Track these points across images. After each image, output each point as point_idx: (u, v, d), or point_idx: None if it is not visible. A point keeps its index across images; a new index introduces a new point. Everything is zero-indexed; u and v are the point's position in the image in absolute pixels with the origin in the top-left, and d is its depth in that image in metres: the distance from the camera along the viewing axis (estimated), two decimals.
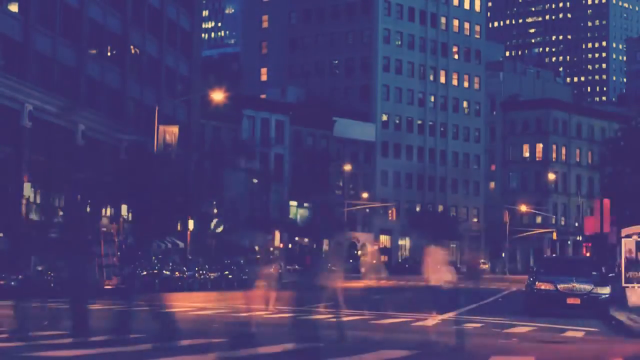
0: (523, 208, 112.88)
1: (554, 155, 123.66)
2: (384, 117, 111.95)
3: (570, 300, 26.44)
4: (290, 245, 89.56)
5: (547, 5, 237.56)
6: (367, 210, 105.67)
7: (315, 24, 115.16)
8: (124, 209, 59.75)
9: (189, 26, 74.08)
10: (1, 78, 44.98)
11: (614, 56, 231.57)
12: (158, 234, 40.86)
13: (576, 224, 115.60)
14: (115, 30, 59.74)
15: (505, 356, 13.40)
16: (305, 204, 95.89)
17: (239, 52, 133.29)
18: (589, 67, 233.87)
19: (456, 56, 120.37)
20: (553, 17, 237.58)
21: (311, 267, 17.81)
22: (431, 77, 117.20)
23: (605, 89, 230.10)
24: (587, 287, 26.48)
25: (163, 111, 55.95)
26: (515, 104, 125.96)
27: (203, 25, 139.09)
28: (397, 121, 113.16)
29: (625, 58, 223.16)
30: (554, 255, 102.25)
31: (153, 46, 66.12)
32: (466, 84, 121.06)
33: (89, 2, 55.31)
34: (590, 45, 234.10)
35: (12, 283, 30.65)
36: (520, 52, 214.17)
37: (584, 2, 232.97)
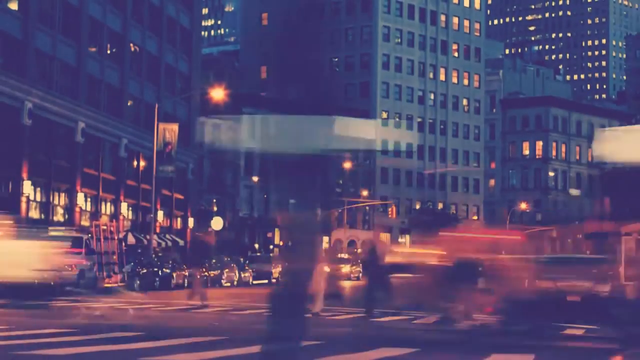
0: (523, 206, 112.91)
1: (554, 152, 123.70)
2: (384, 115, 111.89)
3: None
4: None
5: (547, 3, 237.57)
6: (367, 207, 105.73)
7: None
8: (124, 206, 59.83)
9: (188, 24, 74.07)
10: (1, 76, 44.96)
11: (614, 54, 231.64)
12: None
13: (576, 222, 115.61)
14: (115, 28, 59.74)
15: (505, 354, 13.41)
16: None
17: (238, 50, 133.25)
18: (589, 64, 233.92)
19: (456, 54, 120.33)
20: (553, 15, 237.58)
21: None
22: (431, 75, 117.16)
23: (605, 86, 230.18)
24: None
25: (163, 109, 55.96)
26: (515, 102, 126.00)
27: (203, 23, 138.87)
28: (397, 119, 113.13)
29: (624, 55, 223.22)
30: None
31: (153, 44, 66.13)
32: (466, 82, 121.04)
33: (88, 0, 55.30)
34: (589, 42, 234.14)
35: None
36: (520, 50, 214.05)
37: None
